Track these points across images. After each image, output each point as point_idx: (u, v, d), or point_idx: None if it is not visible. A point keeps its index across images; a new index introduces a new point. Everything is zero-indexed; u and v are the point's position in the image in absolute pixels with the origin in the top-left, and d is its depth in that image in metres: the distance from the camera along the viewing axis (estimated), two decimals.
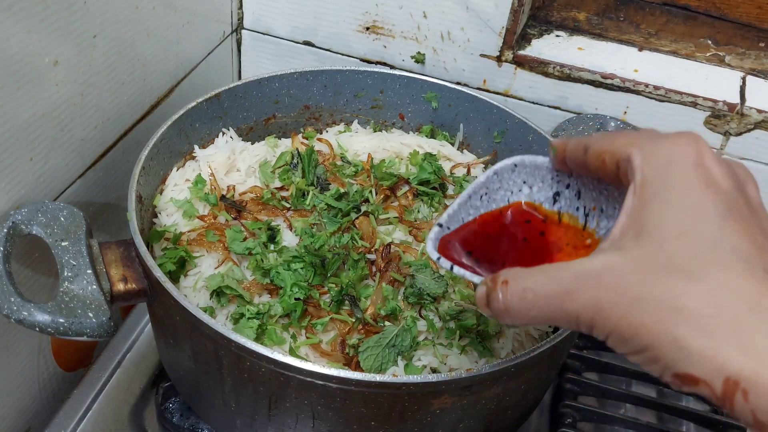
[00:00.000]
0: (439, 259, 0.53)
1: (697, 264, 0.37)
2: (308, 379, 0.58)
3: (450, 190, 0.84)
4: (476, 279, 0.50)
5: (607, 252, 0.41)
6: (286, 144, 0.88)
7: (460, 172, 0.88)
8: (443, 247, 0.54)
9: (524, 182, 0.56)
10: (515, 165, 0.56)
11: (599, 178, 0.52)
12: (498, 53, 0.94)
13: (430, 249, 0.53)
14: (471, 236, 0.56)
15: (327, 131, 0.93)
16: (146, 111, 0.86)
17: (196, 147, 0.83)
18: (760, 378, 0.34)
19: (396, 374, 0.64)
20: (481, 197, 0.57)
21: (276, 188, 0.80)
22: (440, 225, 0.55)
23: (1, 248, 0.62)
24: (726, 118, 0.89)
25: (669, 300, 0.37)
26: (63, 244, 0.65)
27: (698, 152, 0.42)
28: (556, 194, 0.56)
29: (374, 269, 0.72)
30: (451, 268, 0.52)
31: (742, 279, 0.37)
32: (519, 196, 0.57)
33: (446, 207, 0.81)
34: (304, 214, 0.77)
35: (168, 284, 0.61)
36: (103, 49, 0.74)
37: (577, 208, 0.55)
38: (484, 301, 0.46)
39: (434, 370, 0.66)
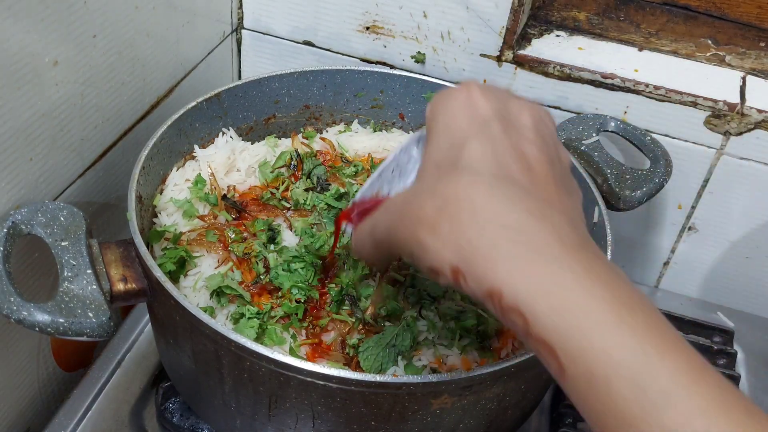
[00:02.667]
0: (345, 227, 0.60)
1: (437, 185, 0.45)
2: (308, 379, 0.58)
3: None
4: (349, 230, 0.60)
5: (406, 189, 0.52)
6: (286, 144, 0.88)
7: None
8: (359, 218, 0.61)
9: None
10: (419, 139, 0.59)
11: None
12: (498, 53, 0.94)
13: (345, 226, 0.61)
14: None
15: (327, 131, 0.93)
16: (146, 111, 0.86)
17: (196, 147, 0.83)
18: (469, 267, 0.42)
19: (396, 374, 0.64)
20: (392, 171, 0.61)
21: (275, 188, 0.80)
22: (353, 203, 0.61)
23: (1, 248, 0.62)
24: (726, 117, 0.89)
25: (415, 213, 0.45)
26: (63, 244, 0.65)
27: (468, 92, 0.49)
28: None
29: (374, 269, 0.72)
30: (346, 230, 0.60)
31: (463, 188, 0.44)
32: None
33: None
34: (304, 214, 0.77)
35: (168, 284, 0.61)
36: (103, 49, 0.74)
37: None
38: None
39: (434, 370, 0.66)
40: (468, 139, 0.46)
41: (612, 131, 0.91)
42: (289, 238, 0.74)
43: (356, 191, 0.79)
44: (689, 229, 1.01)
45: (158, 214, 0.77)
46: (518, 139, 0.47)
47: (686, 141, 0.93)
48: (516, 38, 0.94)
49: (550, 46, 0.96)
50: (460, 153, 0.46)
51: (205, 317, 0.59)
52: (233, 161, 0.83)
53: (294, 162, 0.82)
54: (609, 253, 0.72)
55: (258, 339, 0.65)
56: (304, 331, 0.67)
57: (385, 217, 0.49)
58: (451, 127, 0.48)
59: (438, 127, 0.49)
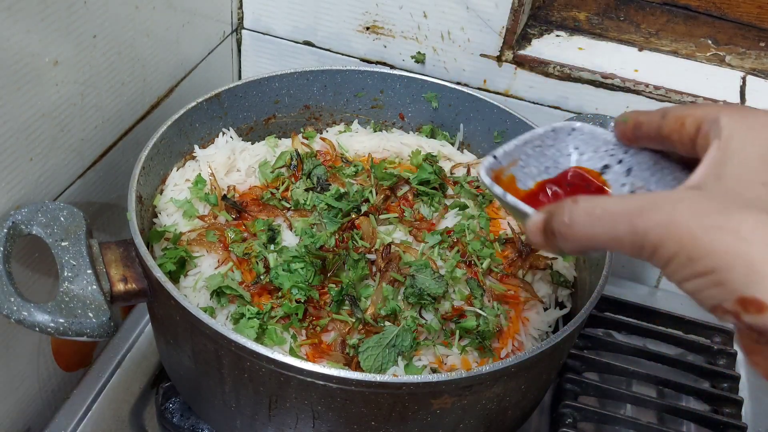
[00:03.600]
0: (492, 185, 0.52)
1: None
2: (308, 379, 0.58)
3: (450, 191, 0.84)
4: (529, 210, 0.49)
5: (683, 189, 0.44)
6: (286, 144, 0.88)
7: (460, 172, 0.88)
8: (495, 179, 0.54)
9: (576, 148, 0.56)
10: (573, 129, 0.56)
11: (663, 153, 0.53)
12: (498, 53, 0.94)
13: (483, 175, 0.53)
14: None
15: (327, 131, 0.93)
16: (146, 111, 0.86)
17: (196, 147, 0.83)
18: None
19: (396, 374, 0.64)
20: (534, 147, 0.56)
21: (275, 188, 0.80)
22: (495, 157, 0.54)
23: (1, 248, 0.62)
24: None
25: (751, 230, 0.37)
26: (63, 244, 0.65)
27: None
28: (605, 167, 0.56)
29: (374, 269, 0.72)
30: (504, 195, 0.51)
31: None
32: (568, 159, 0.56)
33: (446, 208, 0.81)
34: (304, 214, 0.77)
35: (168, 284, 0.61)
36: (103, 49, 0.74)
37: (623, 185, 0.55)
38: (540, 227, 0.47)
39: (434, 370, 0.66)
40: None
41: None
42: (289, 238, 0.74)
43: (356, 191, 0.79)
44: None
45: (158, 214, 0.77)
46: None
47: None
48: (516, 38, 0.94)
49: (550, 46, 0.96)
50: None
51: (205, 317, 0.59)
52: (233, 161, 0.83)
53: (294, 162, 0.82)
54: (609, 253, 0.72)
55: (258, 339, 0.65)
56: (304, 331, 0.67)
57: (670, 212, 0.41)
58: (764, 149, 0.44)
59: (749, 144, 0.45)
